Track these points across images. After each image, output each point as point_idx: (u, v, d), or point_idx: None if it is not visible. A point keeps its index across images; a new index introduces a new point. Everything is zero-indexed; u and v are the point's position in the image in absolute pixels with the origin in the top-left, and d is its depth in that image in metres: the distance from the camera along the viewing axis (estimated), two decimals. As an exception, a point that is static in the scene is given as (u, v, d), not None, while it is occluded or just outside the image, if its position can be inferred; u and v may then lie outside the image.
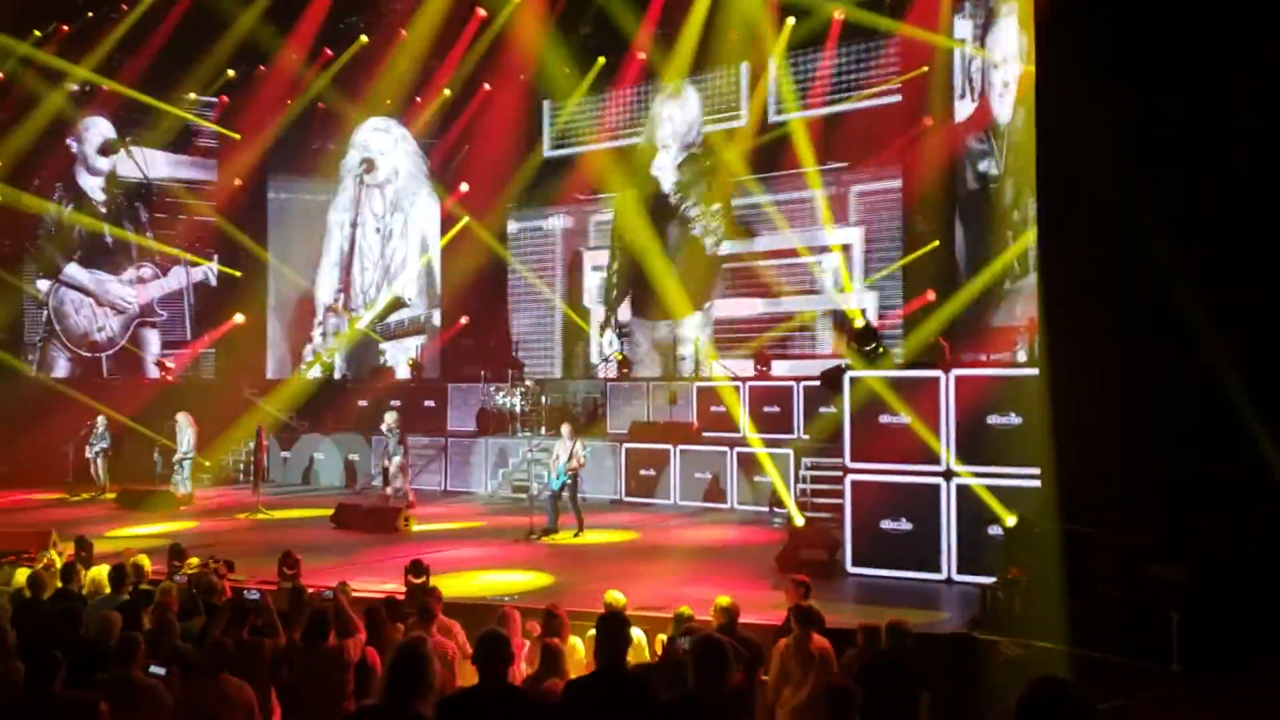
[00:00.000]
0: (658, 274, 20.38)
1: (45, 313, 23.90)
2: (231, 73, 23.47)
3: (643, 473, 17.84)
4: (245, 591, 8.74)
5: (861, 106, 19.00)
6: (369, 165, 24.85)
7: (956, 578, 10.90)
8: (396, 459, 17.57)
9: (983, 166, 16.46)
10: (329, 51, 23.13)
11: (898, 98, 18.40)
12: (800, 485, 15.42)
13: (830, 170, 19.22)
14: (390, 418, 18.01)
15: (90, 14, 21.60)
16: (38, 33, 22.14)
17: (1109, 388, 8.66)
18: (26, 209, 23.25)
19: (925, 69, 17.60)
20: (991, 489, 10.65)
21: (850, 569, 11.47)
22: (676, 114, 21.33)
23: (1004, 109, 15.71)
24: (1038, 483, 9.69)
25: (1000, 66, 15.73)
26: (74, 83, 22.80)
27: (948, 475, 11.08)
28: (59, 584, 8.74)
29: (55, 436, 20.64)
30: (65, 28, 22.20)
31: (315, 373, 24.11)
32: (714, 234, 20.72)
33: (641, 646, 7.45)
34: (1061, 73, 9.30)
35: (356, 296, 25.23)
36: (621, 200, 21.79)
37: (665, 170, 21.44)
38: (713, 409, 18.00)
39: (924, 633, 8.44)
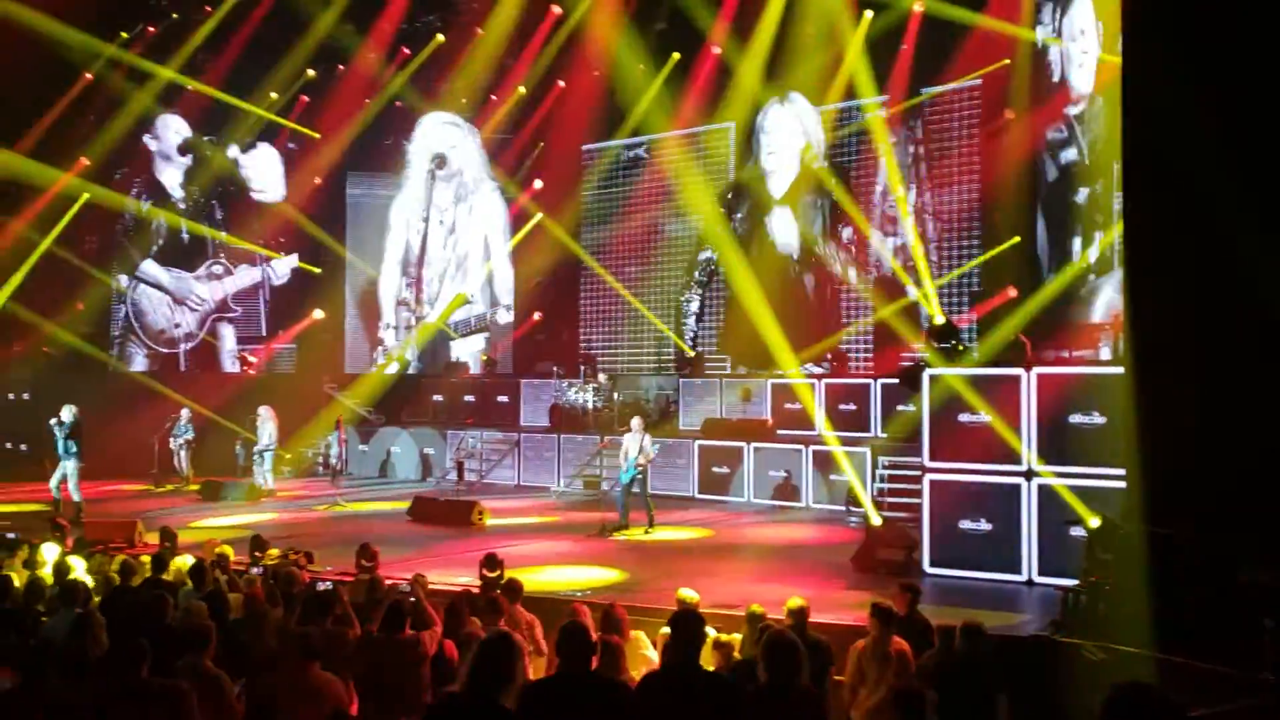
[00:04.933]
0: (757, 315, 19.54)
1: (124, 309, 24.54)
2: (311, 73, 23.89)
3: (715, 470, 17.78)
4: (317, 583, 8.89)
5: (941, 101, 18.68)
6: (440, 161, 25.09)
7: (1037, 579, 10.69)
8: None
9: (1064, 157, 16.11)
10: (406, 50, 23.41)
11: (978, 92, 18.06)
12: (877, 484, 15.26)
13: (908, 164, 18.93)
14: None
15: (175, 15, 22.11)
16: (125, 34, 22.73)
17: (1197, 386, 8.41)
18: (109, 206, 23.89)
19: (1006, 61, 17.26)
20: (1074, 489, 10.42)
21: (928, 569, 11.30)
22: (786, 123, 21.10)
23: (1082, 81, 15.36)
24: (1122, 483, 9.45)
25: (1078, 39, 15.38)
26: (159, 83, 23.37)
27: (1029, 475, 10.87)
28: (148, 573, 8.96)
29: (140, 429, 21.21)
30: (151, 29, 22.76)
31: (391, 367, 24.45)
32: (843, 264, 20.32)
33: (730, 645, 7.41)
34: (1148, 59, 9.04)
35: (426, 291, 25.50)
36: (700, 203, 21.62)
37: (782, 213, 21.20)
38: (787, 406, 17.88)
39: (1003, 635, 8.30)
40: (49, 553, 10.12)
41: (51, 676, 5.56)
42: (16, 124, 21.76)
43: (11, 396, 21.90)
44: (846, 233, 19.91)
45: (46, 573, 9.21)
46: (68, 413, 16.10)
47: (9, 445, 21.41)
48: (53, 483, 16.05)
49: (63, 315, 23.01)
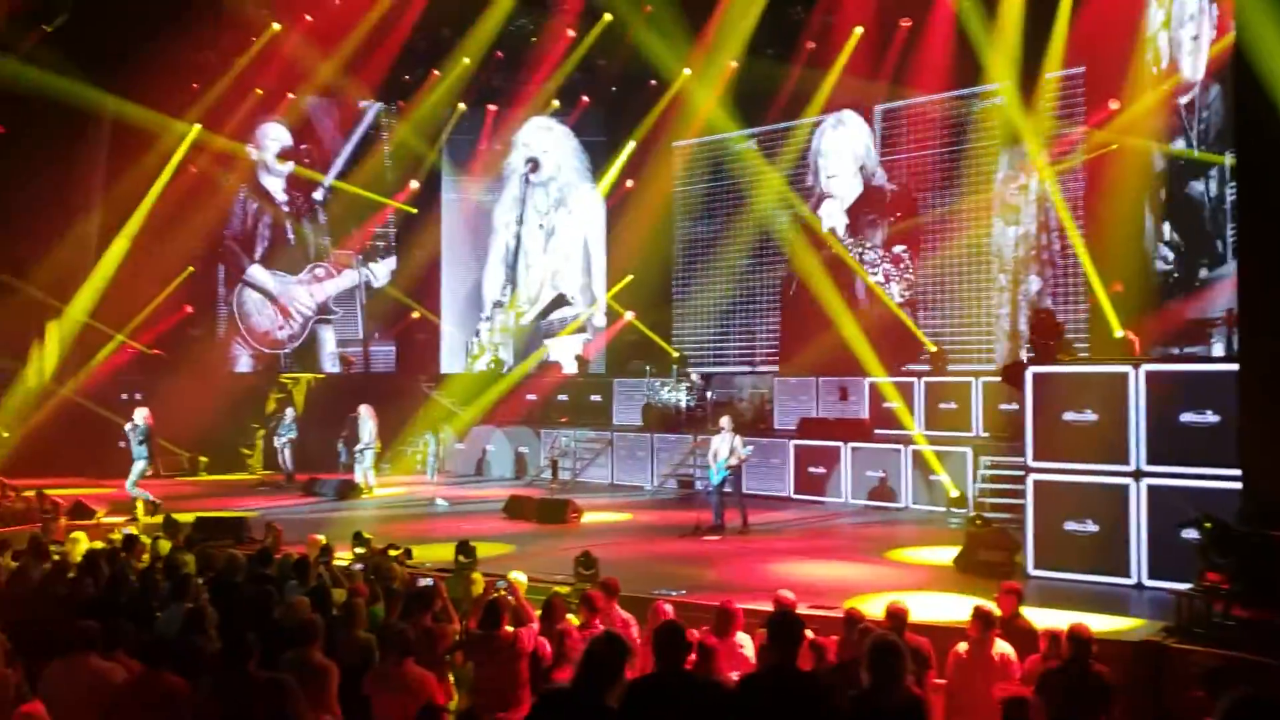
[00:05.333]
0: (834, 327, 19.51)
1: (229, 310, 25.26)
2: (407, 77, 24.29)
3: (811, 470, 17.61)
4: (418, 579, 9.02)
5: (1045, 89, 18.21)
6: (534, 164, 25.30)
7: (1147, 583, 10.42)
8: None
9: (1173, 147, 15.57)
10: (500, 54, 23.64)
11: (1081, 80, 17.58)
12: (979, 485, 14.96)
13: (1011, 156, 18.48)
14: None
15: (276, 26, 22.61)
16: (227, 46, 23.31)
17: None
18: (218, 209, 24.60)
19: (1112, 50, 16.74)
20: (1187, 490, 10.09)
21: (1032, 571, 11.06)
22: (840, 146, 20.86)
23: (1193, 68, 14.83)
24: (1238, 484, 9.11)
25: (1188, 23, 14.85)
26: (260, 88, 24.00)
27: (1137, 475, 10.57)
28: (254, 568, 9.18)
29: (245, 428, 21.86)
30: (253, 39, 23.34)
31: (485, 367, 24.74)
32: (898, 279, 20.07)
33: (824, 646, 7.33)
34: (1263, 45, 8.69)
35: (521, 292, 25.74)
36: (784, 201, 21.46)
37: (836, 216, 20.99)
38: (885, 405, 17.62)
39: (1111, 640, 8.07)
40: (162, 548, 10.43)
41: (166, 668, 5.73)
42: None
43: (124, 396, 22.66)
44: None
45: (158, 567, 9.49)
46: (140, 416, 16.58)
47: (122, 444, 22.12)
48: (130, 483, 16.35)
49: (173, 316, 23.76)
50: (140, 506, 15.90)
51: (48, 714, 5.20)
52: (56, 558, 9.56)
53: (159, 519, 13.79)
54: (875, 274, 20.33)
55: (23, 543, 10.30)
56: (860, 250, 20.59)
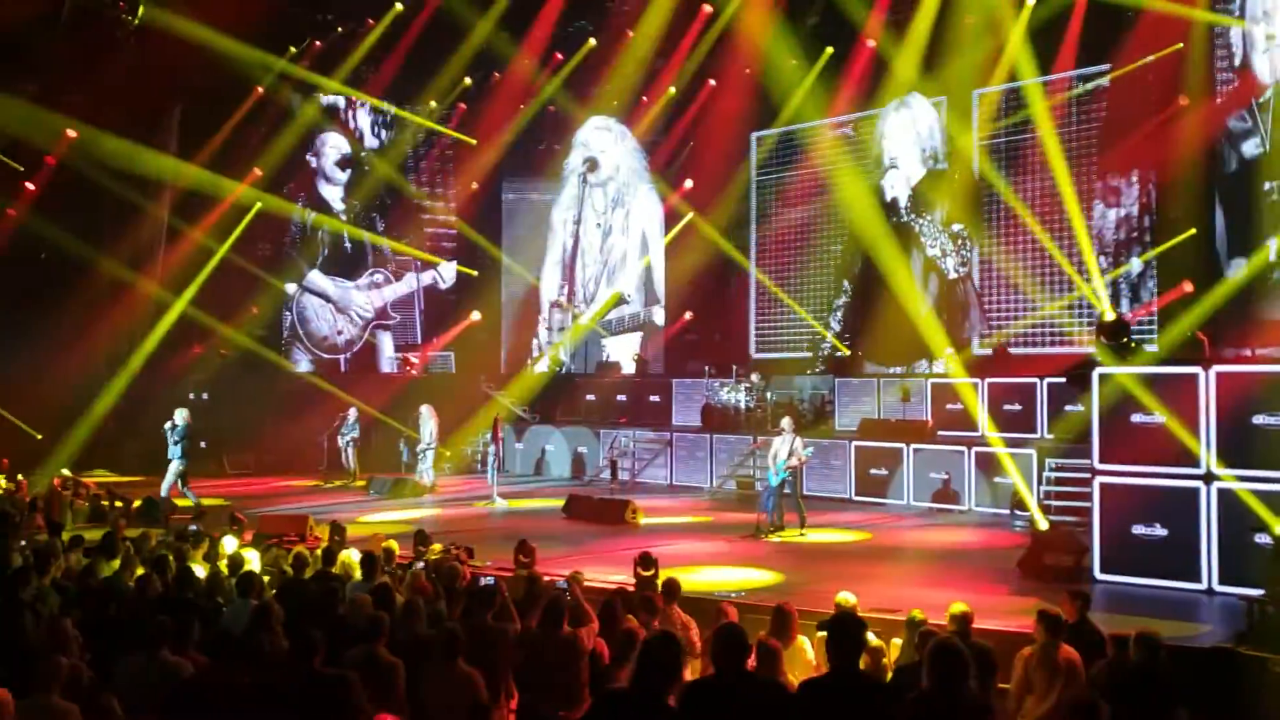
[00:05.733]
0: (899, 305, 19.44)
1: (290, 316, 25.66)
2: (468, 80, 24.50)
3: (873, 472, 17.46)
4: (479, 578, 9.08)
5: (1109, 88, 17.89)
6: (592, 164, 25.36)
7: (1218, 588, 10.22)
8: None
9: (1247, 148, 15.24)
10: (559, 55, 23.76)
11: (1149, 77, 17.21)
12: (1044, 487, 14.74)
13: (1076, 156, 18.19)
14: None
15: (340, 29, 22.93)
16: (293, 49, 23.72)
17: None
18: (279, 216, 25.01)
19: (1179, 45, 16.40)
20: (1258, 494, 9.93)
21: (1098, 576, 10.89)
22: (908, 125, 20.64)
23: (1267, 68, 14.48)
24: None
25: (1261, 21, 14.50)
26: (325, 94, 24.33)
27: (1208, 478, 10.37)
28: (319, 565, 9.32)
29: (310, 428, 22.17)
30: (318, 43, 23.69)
31: (544, 367, 24.86)
32: (955, 255, 19.85)
33: (880, 649, 7.27)
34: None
35: (580, 292, 25.82)
36: (852, 196, 21.24)
37: (899, 187, 20.77)
38: (948, 406, 17.41)
39: (1181, 646, 7.92)
40: (229, 545, 10.61)
41: (232, 664, 5.82)
42: (197, 136, 22.97)
43: (191, 396, 23.11)
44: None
45: (224, 565, 9.65)
46: (180, 416, 16.63)
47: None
48: (176, 483, 16.36)
49: (238, 319, 24.19)
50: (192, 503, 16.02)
51: (120, 707, 5.31)
52: (126, 554, 9.75)
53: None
54: (933, 250, 20.09)
55: (94, 539, 10.56)
56: (920, 224, 20.35)
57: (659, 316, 24.95)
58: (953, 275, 19.89)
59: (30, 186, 21.53)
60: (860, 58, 20.55)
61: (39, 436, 20.66)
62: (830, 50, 20.92)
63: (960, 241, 19.82)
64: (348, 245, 26.02)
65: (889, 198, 20.83)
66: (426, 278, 26.24)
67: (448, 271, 26.12)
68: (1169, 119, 16.62)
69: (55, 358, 20.76)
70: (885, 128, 21.01)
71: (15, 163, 20.90)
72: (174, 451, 16.39)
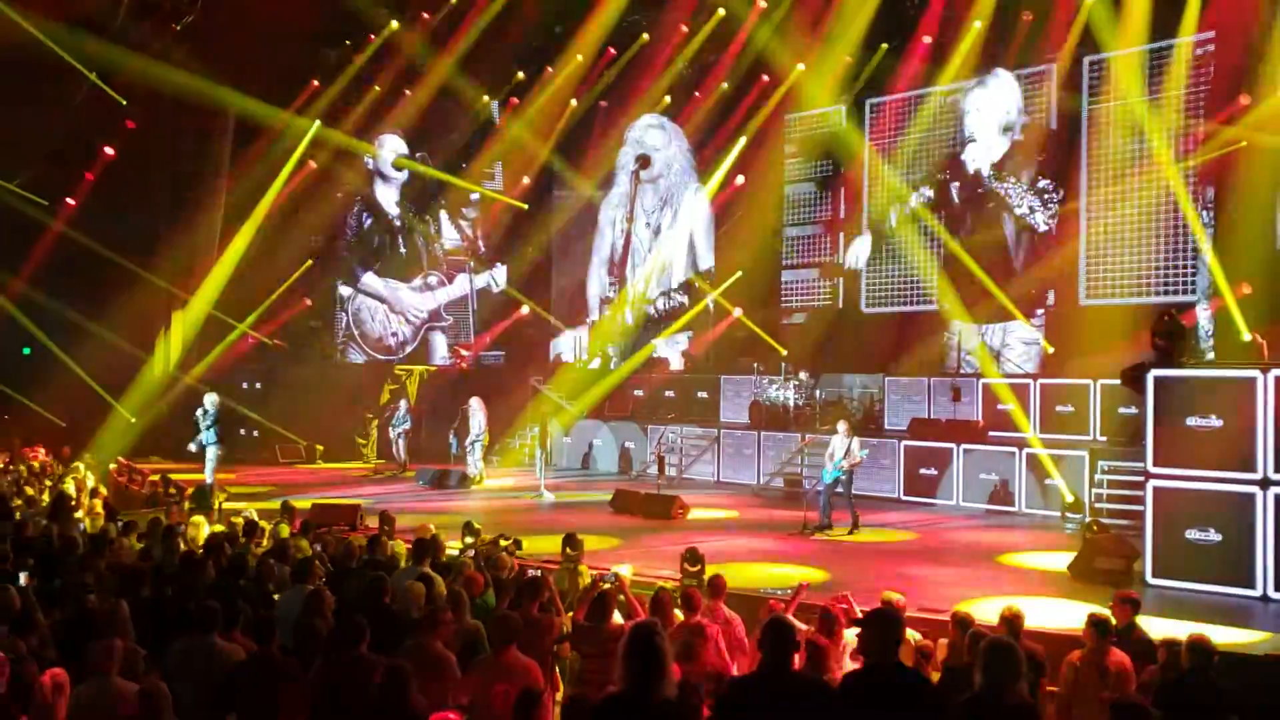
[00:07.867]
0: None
1: (345, 317, 25.98)
2: (520, 75, 24.58)
3: (923, 472, 17.33)
4: (526, 569, 9.13)
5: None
6: (643, 161, 25.35)
7: (1273, 595, 10.06)
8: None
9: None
10: (612, 50, 23.74)
11: (1208, 64, 16.86)
12: (1096, 490, 14.55)
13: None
14: None
15: (395, 24, 23.08)
16: (348, 42, 23.93)
17: None
18: (335, 214, 25.33)
19: (1247, 38, 16.03)
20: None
21: (1150, 580, 10.74)
22: (985, 102, 20.32)
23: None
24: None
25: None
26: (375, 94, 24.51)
27: (1265, 484, 10.20)
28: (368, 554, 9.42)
29: (359, 419, 22.46)
30: (371, 37, 23.87)
31: (594, 363, 24.93)
32: (1042, 210, 19.48)
33: (929, 648, 7.22)
34: None
35: (629, 289, 25.85)
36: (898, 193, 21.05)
37: (981, 160, 20.46)
38: (999, 407, 17.23)
39: (1236, 653, 7.79)
40: (280, 532, 10.76)
41: (282, 648, 5.91)
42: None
43: (245, 385, 23.47)
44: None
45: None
46: (209, 402, 16.74)
47: (242, 432, 22.91)
48: (208, 471, 16.43)
49: (292, 310, 24.52)
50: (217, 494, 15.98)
51: (170, 690, 5.41)
52: (179, 540, 9.92)
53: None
54: (1020, 208, 19.75)
55: (146, 525, 10.75)
56: (1005, 187, 20.01)
57: (711, 312, 24.88)
58: (1042, 229, 19.51)
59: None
60: (917, 50, 20.29)
61: (132, 419, 21.13)
62: (885, 47, 20.67)
63: (1047, 196, 19.42)
64: (403, 249, 26.32)
65: (971, 170, 20.52)
66: (480, 280, 26.45)
67: (500, 275, 26.33)
68: (1230, 115, 16.29)
69: (111, 348, 21.21)
70: (968, 103, 20.59)
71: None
72: (208, 437, 16.50)
